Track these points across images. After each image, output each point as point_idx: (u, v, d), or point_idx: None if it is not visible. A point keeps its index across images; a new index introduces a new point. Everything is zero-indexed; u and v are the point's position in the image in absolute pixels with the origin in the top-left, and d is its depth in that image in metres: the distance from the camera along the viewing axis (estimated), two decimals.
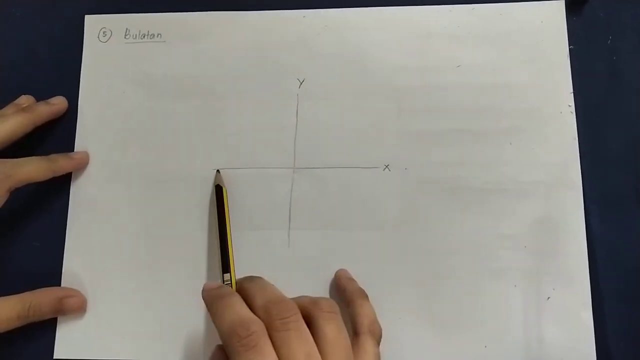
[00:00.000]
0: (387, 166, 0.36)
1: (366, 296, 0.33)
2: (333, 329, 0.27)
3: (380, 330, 0.32)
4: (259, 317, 0.27)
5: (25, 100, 0.38)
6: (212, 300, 0.28)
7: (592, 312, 0.33)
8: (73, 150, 0.38)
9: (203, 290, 0.30)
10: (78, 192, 0.37)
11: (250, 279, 0.30)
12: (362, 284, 0.34)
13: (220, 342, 0.27)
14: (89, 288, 0.36)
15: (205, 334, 0.35)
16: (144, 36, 0.39)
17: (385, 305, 0.34)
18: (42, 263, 0.36)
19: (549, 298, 0.34)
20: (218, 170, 0.36)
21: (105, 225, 0.37)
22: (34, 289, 0.34)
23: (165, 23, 0.39)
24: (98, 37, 0.39)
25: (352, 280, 0.34)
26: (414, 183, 0.36)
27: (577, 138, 0.36)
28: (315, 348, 0.26)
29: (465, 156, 0.36)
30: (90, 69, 0.39)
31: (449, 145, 0.36)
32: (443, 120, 0.36)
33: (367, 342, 0.30)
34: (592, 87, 0.36)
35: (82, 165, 0.37)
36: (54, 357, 0.35)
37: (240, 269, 0.35)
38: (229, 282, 0.31)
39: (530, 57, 0.37)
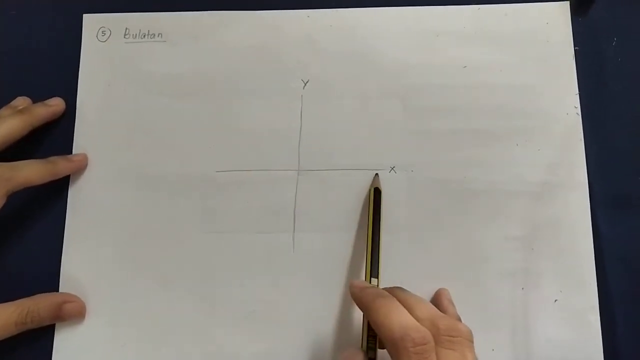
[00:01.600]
0: (392, 168, 0.36)
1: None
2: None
3: None
4: None
5: (22, 101, 0.37)
6: (373, 297, 0.28)
7: (600, 315, 0.33)
8: (71, 152, 0.37)
9: (355, 286, 0.29)
10: (77, 195, 0.36)
11: (402, 289, 0.29)
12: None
13: (354, 346, 0.28)
14: (88, 293, 0.35)
15: (207, 339, 0.34)
16: (144, 36, 0.39)
17: None
18: (40, 267, 0.35)
19: (556, 300, 0.34)
20: (377, 174, 0.35)
21: (105, 228, 0.36)
22: (31, 294, 0.33)
23: (166, 23, 0.39)
24: (97, 37, 0.39)
25: (452, 304, 0.33)
26: (421, 185, 0.35)
27: (583, 139, 0.35)
28: None
29: (471, 157, 0.36)
30: (88, 69, 0.38)
31: (456, 146, 0.36)
32: (449, 121, 0.36)
33: None
34: (597, 88, 0.36)
35: (81, 167, 0.37)
36: None
37: (244, 274, 0.35)
38: (377, 286, 0.31)
39: (535, 58, 0.37)
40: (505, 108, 0.36)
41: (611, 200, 0.35)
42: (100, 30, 0.39)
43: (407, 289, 0.30)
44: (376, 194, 0.34)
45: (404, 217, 0.35)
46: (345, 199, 0.36)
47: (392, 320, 0.26)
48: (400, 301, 0.28)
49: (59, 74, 0.38)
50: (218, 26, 0.38)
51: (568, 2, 0.37)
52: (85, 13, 0.39)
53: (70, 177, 0.37)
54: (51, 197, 0.36)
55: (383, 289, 0.30)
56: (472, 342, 0.27)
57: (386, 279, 0.34)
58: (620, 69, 0.36)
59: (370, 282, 0.31)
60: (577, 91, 0.36)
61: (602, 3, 0.37)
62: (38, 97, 0.37)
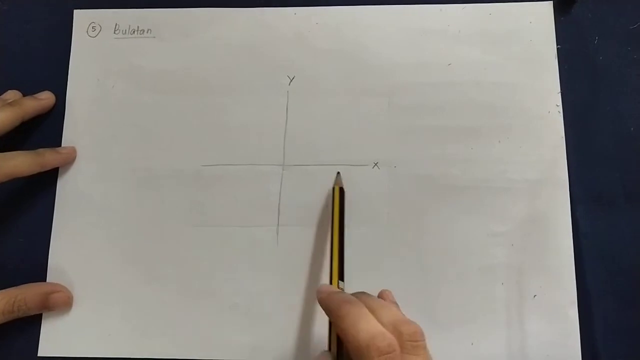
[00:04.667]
0: (376, 164, 0.36)
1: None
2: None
3: None
4: None
5: (12, 95, 0.38)
6: (339, 303, 0.27)
7: (578, 310, 0.34)
8: (60, 146, 0.37)
9: (322, 292, 0.29)
10: (65, 187, 0.37)
11: (366, 294, 0.29)
12: (352, 281, 0.34)
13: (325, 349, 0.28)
14: (75, 284, 0.35)
15: (192, 331, 0.35)
16: (133, 31, 0.39)
17: None
18: (28, 259, 0.36)
19: (535, 296, 0.34)
20: (339, 172, 0.36)
21: (92, 220, 0.36)
22: (19, 284, 0.34)
23: (155, 19, 0.39)
24: (87, 32, 0.39)
25: (396, 304, 0.31)
26: (403, 180, 0.36)
27: (564, 137, 0.36)
28: None
29: (454, 154, 0.36)
30: (78, 64, 0.39)
31: (438, 143, 0.36)
32: (433, 118, 0.37)
33: None
34: (579, 86, 0.37)
35: (70, 160, 0.37)
36: (38, 355, 0.35)
37: (229, 266, 0.35)
38: (343, 290, 0.31)
39: (519, 56, 0.37)
40: (488, 106, 0.37)
41: (591, 198, 0.35)
42: (91, 26, 0.39)
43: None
44: (340, 193, 0.34)
45: (387, 212, 0.35)
46: (329, 193, 0.36)
47: (358, 328, 0.26)
48: (365, 306, 0.27)
49: (50, 68, 0.39)
50: (207, 23, 0.39)
51: (551, 2, 0.38)
52: (75, 9, 0.39)
53: (59, 169, 0.37)
54: (40, 189, 0.37)
55: (352, 294, 0.30)
56: (425, 342, 0.27)
57: (367, 274, 0.35)
58: (601, 67, 0.37)
59: (337, 286, 0.31)
60: (559, 89, 0.36)
61: (584, 3, 0.38)
62: (28, 90, 0.38)
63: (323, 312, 0.34)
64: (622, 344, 0.33)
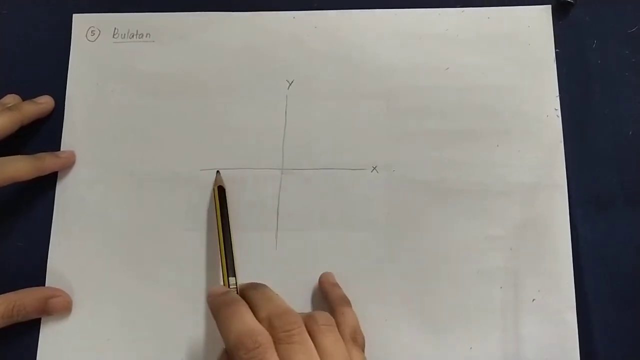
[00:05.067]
0: (374, 167, 0.36)
1: (348, 303, 0.32)
2: (331, 341, 0.27)
3: (363, 338, 0.32)
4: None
5: (11, 99, 0.38)
6: (218, 307, 0.28)
7: (577, 314, 0.34)
8: (59, 150, 0.37)
9: (208, 296, 0.29)
10: (64, 191, 0.37)
11: (254, 286, 0.30)
12: (349, 285, 0.34)
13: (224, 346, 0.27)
14: (74, 289, 0.35)
15: (192, 335, 0.35)
16: (132, 36, 0.39)
17: (372, 306, 0.34)
18: (27, 263, 0.36)
19: (534, 300, 0.34)
20: (218, 171, 0.36)
21: (91, 225, 0.36)
22: (18, 289, 0.34)
23: (154, 23, 0.39)
24: (86, 37, 0.39)
25: (335, 285, 0.34)
26: (402, 184, 0.36)
27: (562, 141, 0.36)
28: None
29: (452, 158, 0.36)
30: (77, 68, 0.39)
31: (437, 146, 0.36)
32: (431, 122, 0.37)
33: (352, 351, 0.29)
34: (577, 90, 0.37)
35: (69, 164, 0.37)
36: (37, 359, 0.34)
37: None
38: (235, 286, 0.31)
39: (517, 60, 0.37)
40: (487, 109, 0.37)
41: (590, 202, 0.35)
42: (90, 30, 0.39)
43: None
44: (220, 192, 0.35)
45: (385, 216, 0.36)
46: (328, 197, 0.36)
47: (229, 330, 0.26)
48: (248, 301, 0.28)
49: (49, 72, 0.39)
50: (205, 27, 0.39)
51: (550, 6, 0.38)
52: (74, 13, 0.39)
53: (58, 174, 0.37)
54: (39, 193, 0.37)
55: (240, 285, 0.30)
56: (327, 325, 0.28)
57: (365, 278, 0.35)
58: (600, 71, 0.37)
59: (228, 284, 0.31)
60: (558, 93, 0.37)
61: (582, 6, 0.38)
62: (28, 94, 0.38)
63: None
64: (621, 348, 0.33)
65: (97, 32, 0.39)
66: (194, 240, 0.36)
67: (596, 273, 0.34)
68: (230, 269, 0.32)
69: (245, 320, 0.27)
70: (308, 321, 0.28)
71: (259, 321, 0.27)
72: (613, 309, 0.34)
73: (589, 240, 0.35)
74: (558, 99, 0.36)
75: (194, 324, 0.35)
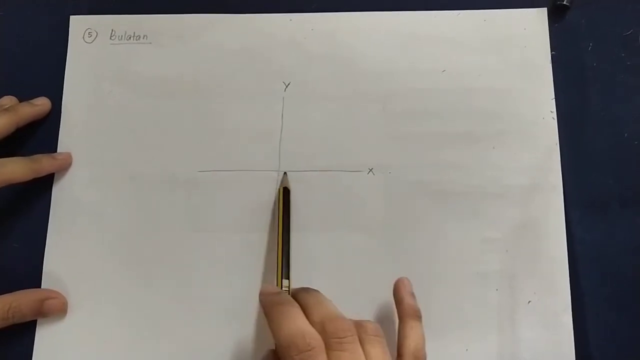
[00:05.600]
0: (371, 169, 0.36)
1: (420, 317, 0.31)
2: (378, 352, 0.27)
3: (425, 357, 0.30)
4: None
5: (8, 100, 0.38)
6: (271, 305, 0.28)
7: (573, 316, 0.34)
8: (56, 151, 0.37)
9: (261, 294, 0.30)
10: (60, 193, 0.37)
11: (307, 290, 0.30)
12: (345, 286, 0.34)
13: (272, 347, 0.28)
14: (70, 290, 0.35)
15: (188, 337, 0.35)
16: (130, 37, 0.39)
17: (368, 307, 0.34)
18: (23, 264, 0.36)
19: (529, 302, 0.34)
20: (285, 173, 0.36)
21: (88, 226, 0.36)
22: (14, 290, 0.34)
23: (151, 25, 0.39)
24: (83, 38, 0.39)
25: (411, 295, 0.32)
26: (398, 186, 0.36)
27: (558, 143, 0.36)
28: None
29: (449, 160, 0.36)
30: (74, 70, 0.39)
31: (433, 149, 0.36)
32: (428, 124, 0.37)
33: None
34: (573, 92, 0.37)
35: (65, 166, 0.37)
36: None
37: (224, 272, 0.35)
38: (287, 288, 0.31)
39: (513, 63, 0.37)
40: (483, 112, 0.37)
41: (585, 204, 0.35)
42: (87, 32, 0.39)
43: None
44: (285, 194, 0.35)
45: (381, 218, 0.36)
46: (324, 199, 0.36)
47: (281, 329, 0.26)
48: (300, 304, 0.28)
49: (46, 74, 0.39)
50: (202, 29, 0.39)
51: (545, 9, 0.38)
52: (72, 15, 0.39)
53: (55, 175, 0.37)
54: (35, 195, 0.37)
55: (292, 290, 0.30)
56: (376, 336, 0.27)
57: (361, 280, 0.35)
58: (596, 73, 0.37)
59: (281, 285, 0.31)
60: (554, 96, 0.37)
61: (578, 9, 0.38)
62: (24, 96, 0.38)
63: None
64: (616, 350, 0.34)
65: (94, 34, 0.39)
66: (191, 242, 0.36)
67: (592, 275, 0.34)
68: (285, 271, 0.32)
69: (298, 321, 0.27)
70: (357, 329, 0.28)
71: (312, 324, 0.27)
72: (609, 311, 0.34)
73: (584, 242, 0.35)
74: (554, 101, 0.37)
75: (190, 325, 0.35)
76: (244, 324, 0.35)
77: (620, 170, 0.36)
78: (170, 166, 0.37)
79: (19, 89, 0.38)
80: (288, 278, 0.32)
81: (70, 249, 0.36)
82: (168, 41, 0.39)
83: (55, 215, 0.37)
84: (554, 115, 0.36)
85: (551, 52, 0.37)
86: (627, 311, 0.34)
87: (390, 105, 0.37)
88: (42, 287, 0.35)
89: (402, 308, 0.32)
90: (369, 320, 0.28)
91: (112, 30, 0.39)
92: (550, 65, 0.37)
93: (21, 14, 0.40)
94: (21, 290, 0.34)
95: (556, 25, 0.38)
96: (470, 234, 0.35)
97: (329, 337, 0.26)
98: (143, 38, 0.39)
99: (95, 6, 0.40)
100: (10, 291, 0.34)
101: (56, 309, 0.34)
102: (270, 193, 0.36)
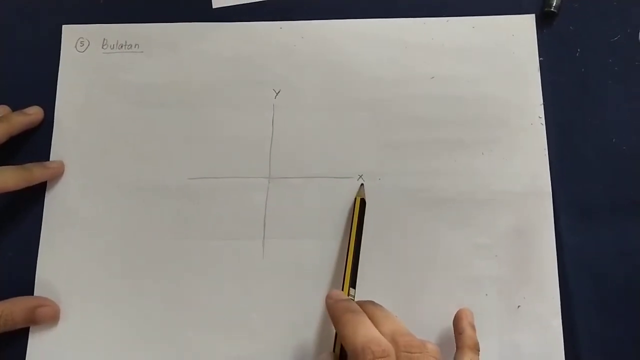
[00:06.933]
0: (361, 176, 0.37)
1: (478, 350, 0.32)
2: None
3: None
4: None
5: (0, 110, 0.38)
6: (343, 311, 0.29)
7: (562, 321, 0.34)
8: (48, 160, 0.38)
9: (329, 297, 0.31)
10: (53, 201, 0.37)
11: (374, 303, 0.31)
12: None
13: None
14: (62, 298, 0.36)
15: (180, 345, 0.35)
16: (121, 46, 0.40)
17: None
18: (15, 272, 0.36)
19: (519, 307, 0.34)
20: (362, 184, 0.36)
21: (80, 235, 0.37)
22: (5, 299, 0.34)
23: (143, 34, 0.40)
24: (75, 47, 0.40)
25: (473, 327, 0.33)
26: (388, 193, 0.36)
27: (547, 149, 0.36)
28: None
29: (438, 166, 0.36)
30: (67, 79, 0.39)
31: (423, 155, 0.37)
32: (417, 130, 0.37)
33: None
34: (561, 98, 0.37)
35: (58, 174, 0.37)
36: None
37: (215, 279, 0.36)
38: (353, 297, 0.32)
39: (502, 69, 0.38)
40: (472, 118, 0.37)
41: (575, 209, 0.35)
42: (79, 41, 0.40)
43: (380, 303, 0.31)
44: (362, 205, 0.35)
45: (371, 224, 0.36)
46: (314, 206, 0.36)
47: (356, 334, 0.27)
48: (368, 316, 0.29)
49: (38, 83, 0.39)
50: (193, 37, 0.39)
51: (533, 15, 0.38)
52: (64, 24, 0.40)
53: (47, 184, 0.37)
54: (27, 204, 0.37)
55: (357, 302, 0.31)
56: (436, 358, 0.28)
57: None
58: (583, 79, 0.37)
59: (348, 293, 0.32)
60: (542, 101, 0.37)
61: (566, 16, 0.38)
62: (17, 105, 0.38)
63: (309, 325, 0.34)
64: (605, 355, 0.34)
65: (86, 43, 0.40)
66: (183, 250, 0.36)
67: (581, 280, 0.34)
68: (353, 280, 0.33)
69: (372, 329, 0.28)
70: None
71: (383, 335, 0.28)
72: (598, 315, 0.34)
73: (573, 248, 0.35)
74: (542, 107, 0.37)
75: (181, 333, 0.35)
76: (235, 332, 0.35)
77: (609, 175, 0.36)
78: (161, 174, 0.37)
79: (12, 98, 0.38)
80: (355, 287, 0.33)
81: (62, 257, 0.36)
82: (159, 50, 0.39)
83: (48, 224, 0.37)
84: (543, 121, 0.37)
85: (539, 58, 0.37)
86: (616, 316, 0.34)
87: (379, 112, 0.37)
88: (34, 295, 0.36)
89: (463, 339, 0.32)
90: (431, 342, 0.29)
91: (104, 40, 0.40)
92: (539, 71, 0.37)
93: (13, 24, 0.40)
94: (13, 298, 0.34)
95: (544, 32, 0.38)
96: (460, 240, 0.35)
97: (400, 349, 0.27)
98: (135, 47, 0.40)
99: (87, 15, 0.40)
100: (3, 299, 0.34)
101: (48, 316, 0.35)
102: (260, 200, 0.37)
